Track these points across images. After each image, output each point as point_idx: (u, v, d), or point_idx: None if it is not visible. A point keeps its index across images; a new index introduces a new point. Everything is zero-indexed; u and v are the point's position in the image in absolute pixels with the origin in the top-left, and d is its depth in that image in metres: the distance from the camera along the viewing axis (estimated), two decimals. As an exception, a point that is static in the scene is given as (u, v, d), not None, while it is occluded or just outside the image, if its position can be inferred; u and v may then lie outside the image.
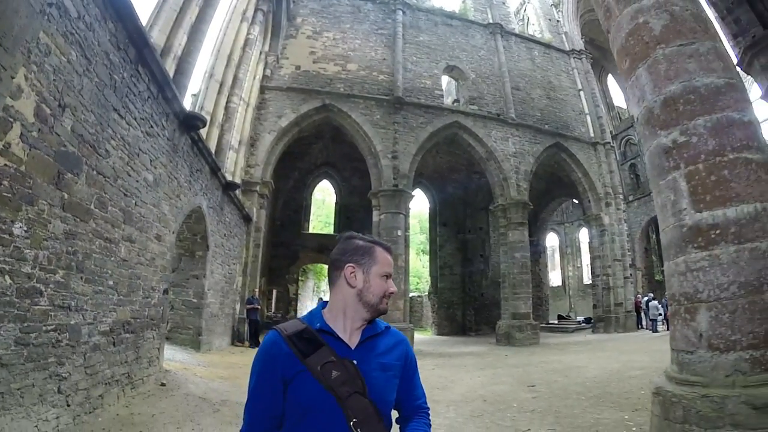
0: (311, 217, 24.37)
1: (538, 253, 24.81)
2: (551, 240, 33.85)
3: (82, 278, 4.20)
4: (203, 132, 8.76)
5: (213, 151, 9.64)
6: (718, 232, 2.78)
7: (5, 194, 3.17)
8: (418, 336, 16.28)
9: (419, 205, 25.16)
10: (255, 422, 1.23)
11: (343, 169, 21.35)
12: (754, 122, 3.09)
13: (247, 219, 12.85)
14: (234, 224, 11.58)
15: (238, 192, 11.85)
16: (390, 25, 17.52)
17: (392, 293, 1.34)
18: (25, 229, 3.41)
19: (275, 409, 1.21)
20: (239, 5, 11.87)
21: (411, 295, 31.00)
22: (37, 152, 3.51)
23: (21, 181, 3.33)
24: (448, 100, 20.27)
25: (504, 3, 21.50)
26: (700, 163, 2.93)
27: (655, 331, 16.78)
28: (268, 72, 15.04)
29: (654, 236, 26.30)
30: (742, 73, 9.04)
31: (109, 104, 4.63)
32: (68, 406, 4.04)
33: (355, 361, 1.23)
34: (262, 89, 14.72)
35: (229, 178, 10.70)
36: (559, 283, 33.69)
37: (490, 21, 19.70)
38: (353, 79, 16.05)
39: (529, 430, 4.68)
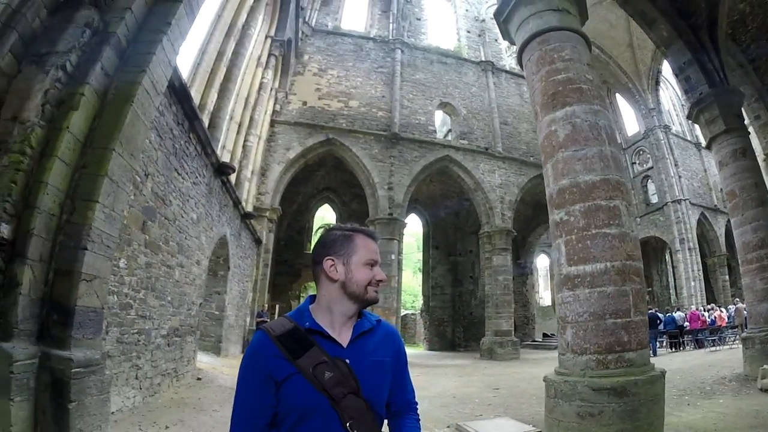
0: (312, 238, 25.94)
1: (525, 274, 26.28)
2: (542, 261, 35.46)
3: (153, 295, 5.80)
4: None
5: (233, 186, 11.32)
6: (579, 279, 4.36)
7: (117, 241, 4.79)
8: (410, 351, 17.56)
9: (417, 225, 26.71)
10: (244, 429, 1.18)
11: (343, 194, 22.91)
12: (619, 206, 4.64)
13: (258, 242, 14.47)
14: (248, 247, 13.22)
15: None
16: (389, 64, 19.10)
17: (380, 281, 1.30)
18: (125, 262, 5.02)
19: (265, 415, 1.17)
20: (255, 52, 13.62)
21: (405, 312, 32.26)
22: (133, 209, 5.14)
23: (124, 230, 4.94)
24: (442, 132, 21.86)
25: (496, 41, 22.83)
26: (574, 235, 4.52)
27: None
28: (278, 107, 16.73)
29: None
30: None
31: (172, 166, 6.28)
32: (140, 389, 5.60)
33: (347, 360, 1.20)
34: (272, 123, 16.34)
35: (243, 205, 12.35)
36: (549, 303, 35.14)
37: (483, 59, 21.21)
38: (354, 115, 17.66)
39: (481, 415, 6.26)
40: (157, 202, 5.81)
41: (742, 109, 12.73)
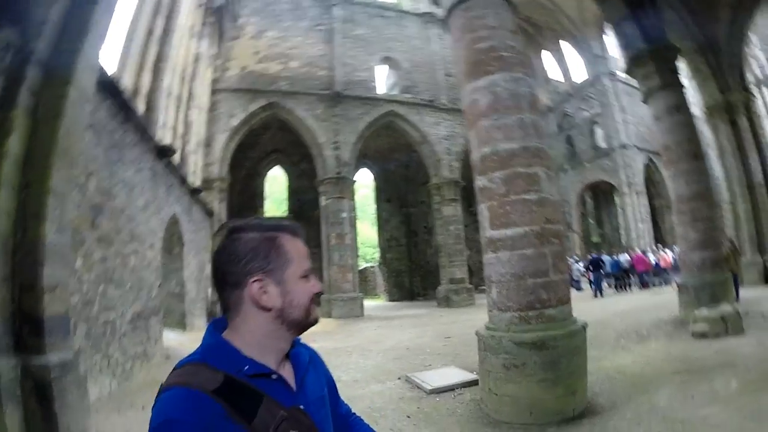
0: (265, 202, 25.90)
1: (480, 221, 27.30)
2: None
3: (113, 286, 6.03)
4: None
5: (179, 163, 11.24)
6: (501, 243, 4.89)
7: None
8: (368, 303, 18.54)
9: (369, 179, 27.08)
10: None
11: (291, 154, 22.78)
12: (538, 173, 5.02)
13: (210, 214, 14.50)
14: (200, 220, 13.28)
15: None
16: (328, 21, 18.75)
17: (319, 294, 1.00)
18: (81, 261, 5.21)
19: None
20: (187, 22, 13.06)
21: (365, 265, 32.78)
22: (81, 211, 5.26)
23: (75, 232, 5.08)
24: (386, 87, 21.85)
25: (438, -9, 22.82)
26: (495, 201, 5.00)
27: (579, 289, 19.19)
28: (217, 75, 16.30)
29: (591, 201, 29.02)
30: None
31: (113, 160, 6.34)
32: (114, 376, 5.93)
33: (301, 406, 0.93)
34: (213, 92, 16.02)
35: (191, 179, 12.31)
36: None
37: (424, 11, 20.84)
38: (295, 76, 17.45)
39: (430, 365, 6.98)
40: (103, 197, 5.91)
41: (684, 63, 13.16)
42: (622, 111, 25.13)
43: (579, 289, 19.40)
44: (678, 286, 9.50)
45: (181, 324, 10.85)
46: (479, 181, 5.29)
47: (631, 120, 25.16)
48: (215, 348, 0.94)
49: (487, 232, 5.08)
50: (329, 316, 15.17)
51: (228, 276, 0.95)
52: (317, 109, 17.19)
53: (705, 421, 4.04)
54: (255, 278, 0.93)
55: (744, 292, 10.94)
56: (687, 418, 4.13)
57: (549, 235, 4.87)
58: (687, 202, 9.17)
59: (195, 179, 13.43)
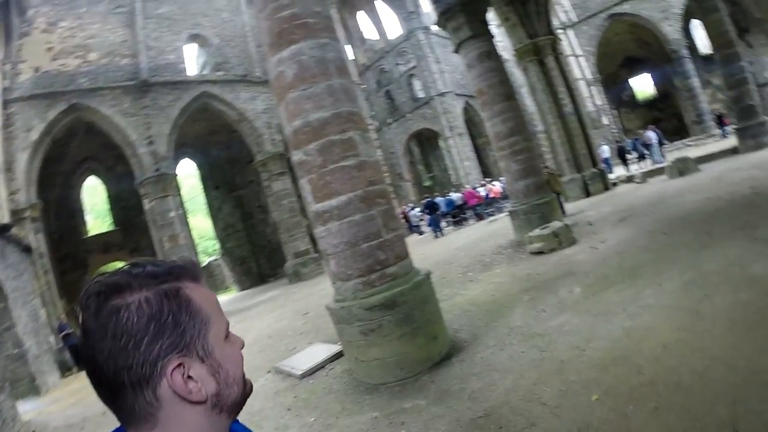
0: (88, 218, 23.70)
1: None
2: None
3: None
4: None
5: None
6: (328, 214, 4.80)
7: None
8: (221, 299, 17.58)
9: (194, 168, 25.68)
10: None
11: (105, 160, 20.61)
12: (353, 137, 4.94)
13: (27, 250, 12.36)
14: (18, 261, 11.29)
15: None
16: (128, 1, 16.58)
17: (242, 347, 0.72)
18: None
19: None
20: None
21: (208, 260, 31.74)
22: None
23: None
24: (199, 66, 20.40)
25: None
26: (314, 174, 4.86)
27: (420, 233, 20.47)
28: (7, 83, 13.63)
29: (417, 149, 30.88)
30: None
31: None
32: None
33: None
34: (5, 104, 13.47)
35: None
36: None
37: (232, -20, 19.47)
38: (96, 70, 15.42)
39: (295, 348, 6.82)
40: None
41: (494, 12, 13.93)
42: (438, 62, 26.95)
43: (421, 233, 20.60)
44: (509, 213, 10.55)
45: (33, 389, 9.43)
46: (295, 156, 5.13)
47: (447, 69, 27.14)
48: None
49: (312, 206, 4.97)
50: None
51: (123, 373, 0.58)
52: (124, 103, 15.37)
53: (560, 329, 4.45)
54: (173, 364, 0.60)
55: (569, 207, 12.59)
56: (544, 331, 4.53)
57: (374, 197, 4.91)
58: (505, 139, 10.13)
59: (1, 215, 11.27)
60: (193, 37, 18.33)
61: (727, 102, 16.65)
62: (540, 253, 7.97)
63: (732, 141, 14.85)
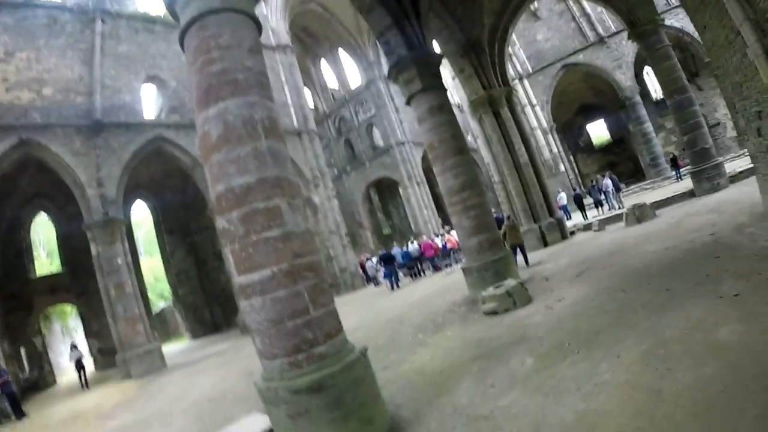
0: (35, 258, 22.41)
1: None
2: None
3: None
4: None
5: None
6: (251, 288, 4.40)
7: None
8: (172, 348, 17.24)
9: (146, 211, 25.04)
10: None
11: (56, 198, 19.61)
12: (279, 205, 4.56)
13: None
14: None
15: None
16: (88, 38, 16.16)
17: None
18: None
19: None
20: None
21: (162, 306, 30.64)
22: None
23: None
24: (156, 109, 20.07)
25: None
26: (237, 244, 4.47)
27: (377, 284, 20.18)
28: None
29: (376, 197, 31.00)
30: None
31: None
32: None
33: None
34: (-48, 138, 12.55)
35: None
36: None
37: (194, 23, 19.57)
38: (50, 105, 14.71)
39: (232, 415, 6.21)
40: None
41: (449, 64, 14.17)
42: (397, 111, 27.56)
43: (377, 284, 20.33)
44: (463, 270, 10.19)
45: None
46: (219, 223, 4.73)
47: (406, 119, 27.77)
48: None
49: (236, 278, 4.59)
50: (129, 377, 13.36)
51: None
52: (75, 142, 14.74)
53: (508, 411, 4.08)
54: None
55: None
56: (490, 413, 4.16)
57: (301, 270, 4.51)
58: (457, 194, 9.88)
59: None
60: (151, 78, 17.91)
61: (681, 143, 17.23)
62: (493, 313, 7.62)
63: (687, 183, 15.21)
